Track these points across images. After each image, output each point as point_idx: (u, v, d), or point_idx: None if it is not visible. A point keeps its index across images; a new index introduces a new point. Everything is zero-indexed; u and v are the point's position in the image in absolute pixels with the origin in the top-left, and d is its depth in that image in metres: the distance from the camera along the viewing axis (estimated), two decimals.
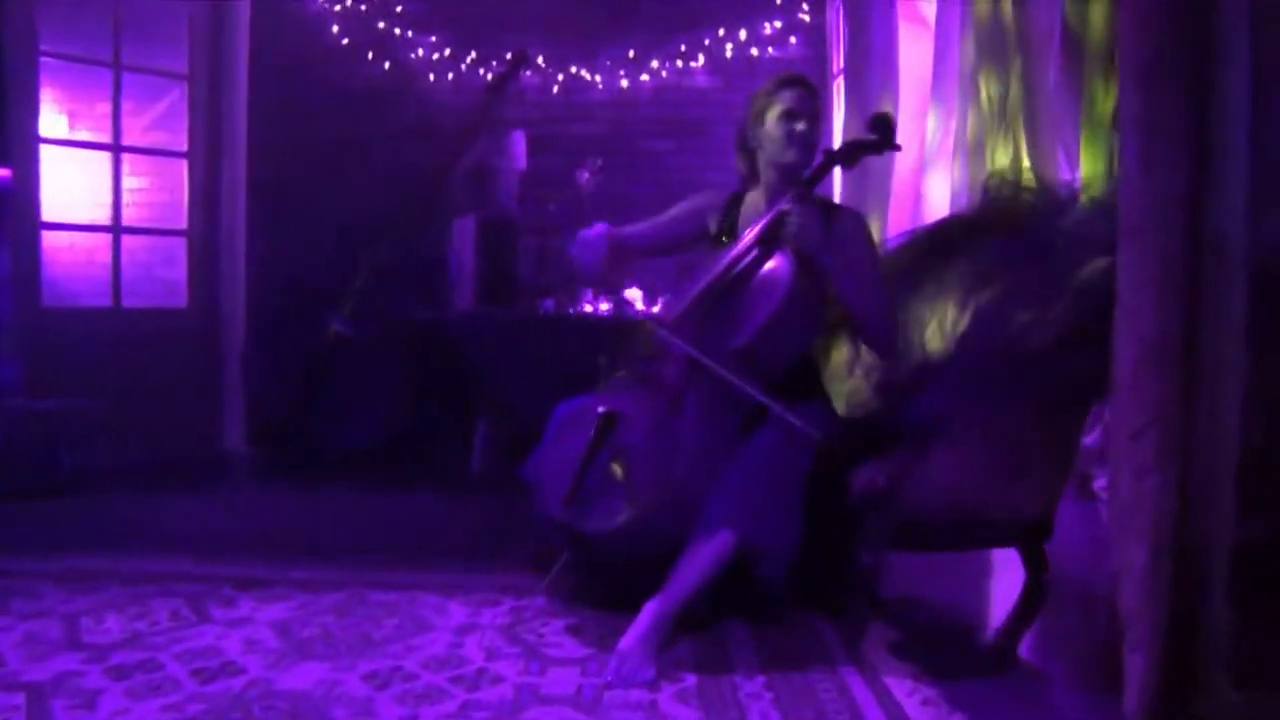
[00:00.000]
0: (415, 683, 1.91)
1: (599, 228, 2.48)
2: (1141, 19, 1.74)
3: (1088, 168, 3.24)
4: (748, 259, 2.33)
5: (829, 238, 2.30)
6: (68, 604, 2.36)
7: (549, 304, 4.35)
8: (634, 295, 4.40)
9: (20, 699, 1.80)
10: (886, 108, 4.27)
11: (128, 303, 4.60)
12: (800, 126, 2.40)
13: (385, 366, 4.52)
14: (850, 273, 2.32)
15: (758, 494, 2.13)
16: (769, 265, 2.29)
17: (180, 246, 4.81)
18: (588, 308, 4.32)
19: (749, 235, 2.35)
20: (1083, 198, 2.59)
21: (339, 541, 3.10)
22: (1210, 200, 1.58)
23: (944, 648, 2.25)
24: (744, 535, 2.08)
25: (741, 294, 2.30)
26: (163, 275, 4.96)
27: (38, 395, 3.94)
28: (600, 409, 2.33)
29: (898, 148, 2.47)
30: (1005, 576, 2.78)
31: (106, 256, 4.60)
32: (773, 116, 2.42)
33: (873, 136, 2.43)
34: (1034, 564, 2.62)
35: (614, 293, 2.58)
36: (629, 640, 1.97)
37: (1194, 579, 1.61)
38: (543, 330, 4.21)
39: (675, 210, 2.67)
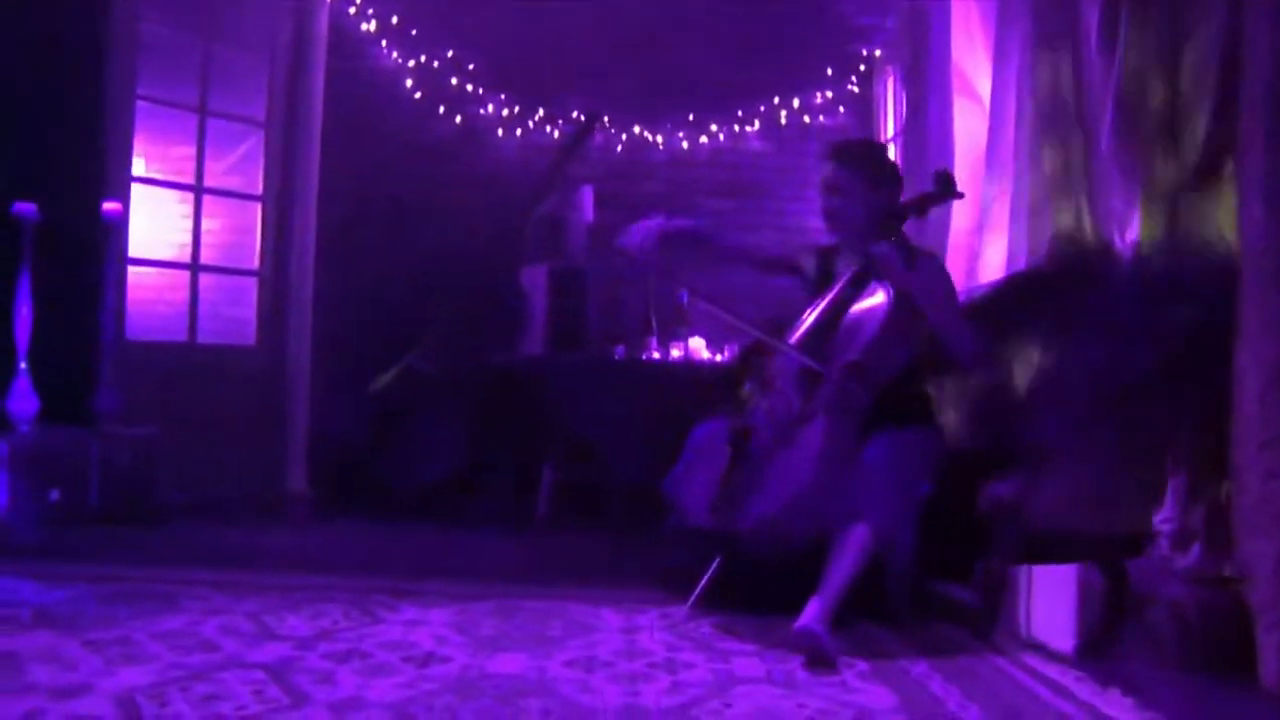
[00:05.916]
0: (616, 668, 2.08)
1: (654, 220, 2.79)
2: (1266, 90, 2.07)
3: (1145, 230, 3.51)
4: (846, 296, 2.67)
5: (913, 270, 2.60)
6: (238, 605, 2.50)
7: (620, 350, 4.57)
8: (698, 345, 4.64)
9: (260, 675, 1.94)
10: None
11: (202, 339, 4.75)
12: (822, 205, 2.81)
13: (456, 406, 4.69)
14: (928, 295, 2.61)
15: (884, 492, 2.41)
16: (868, 298, 2.63)
17: (250, 286, 4.98)
18: (656, 355, 4.54)
19: (844, 279, 2.69)
20: (1144, 254, 2.91)
21: (453, 565, 3.26)
22: None
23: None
24: (877, 528, 2.35)
25: (846, 322, 2.63)
26: (229, 314, 5.12)
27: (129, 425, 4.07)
28: (734, 425, 2.60)
29: (960, 195, 2.86)
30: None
31: (179, 294, 4.77)
32: None
33: (934, 190, 2.78)
34: (1115, 579, 2.86)
35: (662, 282, 2.81)
36: (805, 623, 2.17)
37: None
38: (618, 375, 4.42)
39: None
